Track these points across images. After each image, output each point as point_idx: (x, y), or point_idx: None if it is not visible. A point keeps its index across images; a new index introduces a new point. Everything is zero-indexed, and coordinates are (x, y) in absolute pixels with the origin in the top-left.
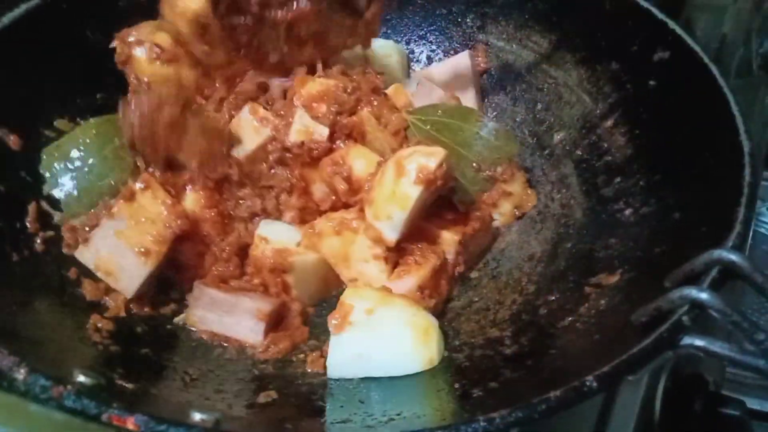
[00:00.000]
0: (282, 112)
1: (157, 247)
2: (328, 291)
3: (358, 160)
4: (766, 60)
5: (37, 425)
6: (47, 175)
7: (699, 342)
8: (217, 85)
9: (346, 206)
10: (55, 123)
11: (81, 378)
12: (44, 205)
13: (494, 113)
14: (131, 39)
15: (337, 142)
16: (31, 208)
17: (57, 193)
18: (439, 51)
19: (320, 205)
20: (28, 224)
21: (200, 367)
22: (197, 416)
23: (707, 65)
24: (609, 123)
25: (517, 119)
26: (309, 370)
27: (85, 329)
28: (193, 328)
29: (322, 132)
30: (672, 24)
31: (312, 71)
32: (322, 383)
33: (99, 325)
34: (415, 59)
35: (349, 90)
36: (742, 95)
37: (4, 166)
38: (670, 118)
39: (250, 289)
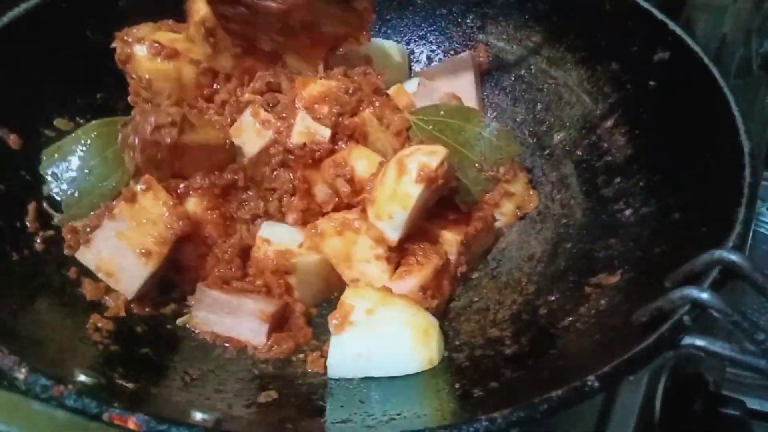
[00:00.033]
0: (284, 114)
1: (158, 248)
2: (331, 292)
3: (360, 161)
4: (766, 60)
5: (39, 424)
6: (47, 176)
7: (699, 342)
8: (217, 86)
9: (349, 207)
10: (55, 123)
11: (81, 377)
12: (44, 205)
13: (494, 113)
14: (131, 38)
15: (339, 143)
16: (31, 207)
17: (57, 195)
18: (440, 51)
19: (323, 207)
20: (28, 224)
21: (200, 367)
22: (198, 416)
23: (707, 65)
24: (609, 123)
25: (518, 119)
26: (309, 370)
27: (86, 329)
28: (196, 330)
29: (324, 133)
30: (672, 24)
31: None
32: (323, 383)
33: (99, 324)
34: (415, 59)
35: (350, 91)
36: (742, 95)
37: (4, 166)
38: (670, 119)
39: (253, 290)
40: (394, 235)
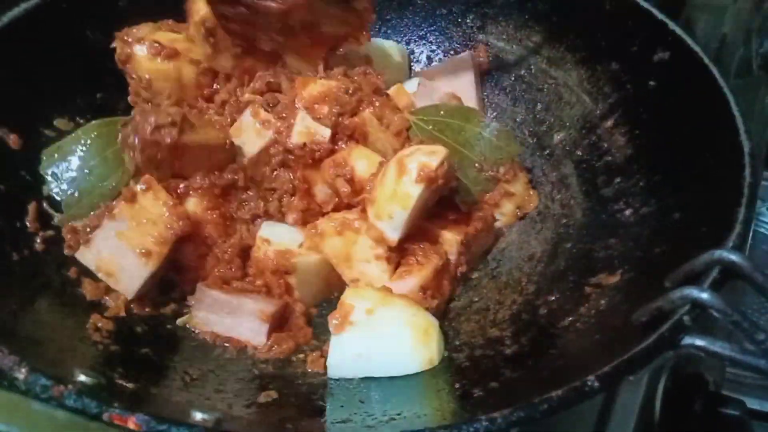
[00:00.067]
0: (284, 114)
1: (158, 248)
2: (331, 292)
3: (360, 161)
4: (766, 60)
5: (39, 424)
6: (47, 176)
7: (699, 342)
8: (217, 86)
9: (349, 207)
10: (55, 123)
11: (81, 377)
12: (44, 205)
13: (494, 113)
14: (131, 38)
15: (339, 143)
16: (31, 207)
17: (57, 195)
18: (439, 51)
19: (323, 207)
20: (28, 224)
21: (200, 367)
22: (198, 416)
23: (707, 65)
24: (609, 123)
25: (517, 119)
26: (309, 370)
27: (85, 329)
28: (196, 330)
29: (324, 133)
30: (672, 24)
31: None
32: (323, 383)
33: (99, 324)
34: (415, 59)
35: (350, 91)
36: (742, 95)
37: (4, 166)
38: (670, 119)
39: (253, 290)
40: (394, 235)
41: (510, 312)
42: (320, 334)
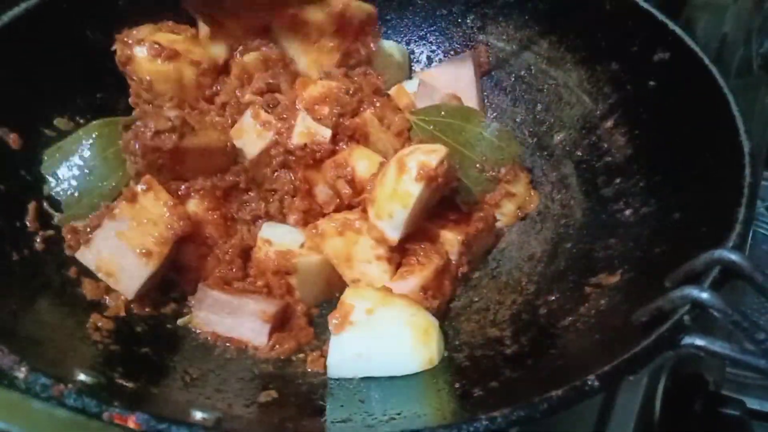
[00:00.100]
0: (284, 116)
1: (159, 248)
2: (332, 292)
3: (361, 161)
4: (766, 60)
5: (39, 423)
6: (48, 176)
7: (699, 342)
8: (218, 87)
9: (350, 208)
10: (55, 123)
11: (81, 377)
12: (44, 205)
13: (494, 114)
14: (131, 39)
15: (340, 144)
16: (31, 207)
17: (58, 194)
18: (439, 51)
19: (324, 208)
20: (27, 223)
21: (201, 366)
22: (198, 415)
23: (707, 66)
24: (609, 123)
25: (517, 120)
26: (309, 370)
27: (86, 328)
28: (197, 330)
29: (325, 133)
30: (672, 25)
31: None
32: (323, 383)
33: (99, 324)
34: (415, 60)
35: (350, 92)
36: (743, 95)
37: (4, 166)
38: (670, 119)
39: (254, 290)
40: (394, 235)
41: (510, 312)
42: (321, 334)
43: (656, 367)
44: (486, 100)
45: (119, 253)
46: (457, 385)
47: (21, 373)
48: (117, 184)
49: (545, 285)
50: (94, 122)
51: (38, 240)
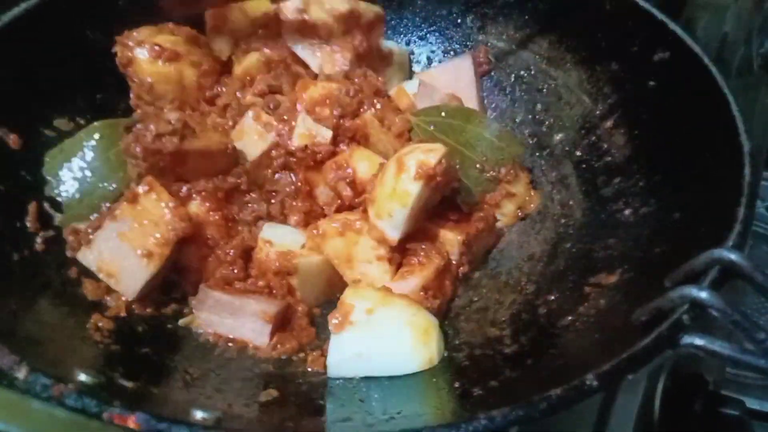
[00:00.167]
0: (285, 117)
1: (160, 249)
2: (333, 292)
3: (362, 163)
4: (766, 60)
5: (39, 423)
6: (50, 178)
7: (699, 341)
8: (220, 89)
9: (351, 208)
10: (55, 123)
11: (82, 377)
12: (45, 205)
13: (494, 114)
14: (132, 41)
15: (341, 145)
16: (31, 207)
17: (59, 196)
18: (439, 52)
19: (325, 209)
20: (28, 224)
21: (201, 366)
22: (198, 414)
23: (707, 66)
24: (609, 123)
25: (517, 120)
26: (309, 369)
27: (86, 329)
28: (198, 330)
29: (325, 134)
30: (672, 24)
31: None
32: (323, 382)
33: (100, 324)
34: (415, 60)
35: (351, 93)
36: (743, 95)
37: (4, 166)
38: (670, 119)
39: (255, 291)
40: (394, 234)
41: (510, 312)
42: (321, 334)
43: (656, 367)
44: (486, 101)
45: (120, 254)
46: (456, 385)
47: (21, 373)
48: (118, 185)
49: (545, 285)
50: (96, 123)
51: (38, 240)
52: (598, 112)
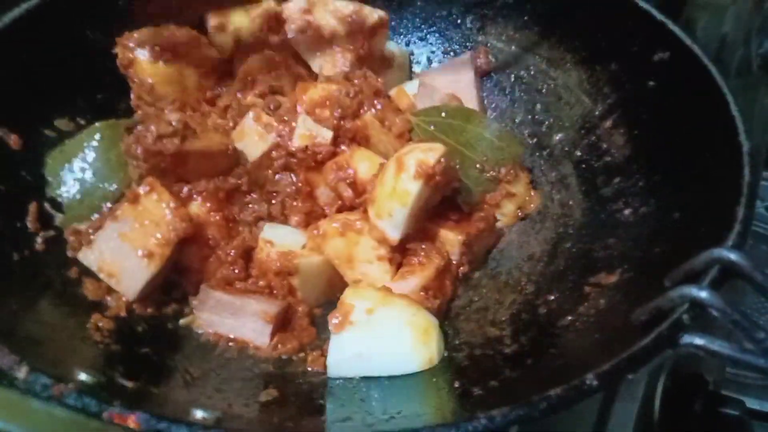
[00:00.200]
0: (285, 118)
1: (161, 249)
2: (333, 293)
3: (362, 163)
4: (765, 60)
5: (39, 423)
6: (51, 178)
7: (699, 341)
8: (221, 89)
9: (352, 209)
10: (55, 123)
11: (82, 376)
12: (45, 205)
13: (494, 114)
14: (132, 42)
15: (341, 146)
16: (32, 208)
17: (61, 197)
18: (439, 52)
19: (325, 209)
20: (28, 224)
21: (201, 366)
22: (198, 414)
23: (706, 66)
24: (608, 123)
25: (517, 120)
26: (309, 369)
27: (86, 328)
28: (199, 330)
29: (326, 135)
30: (671, 24)
31: None
32: (323, 382)
33: (100, 324)
34: (415, 61)
35: (351, 94)
36: (742, 95)
37: (4, 166)
38: (670, 119)
39: (256, 291)
40: (394, 234)
41: (510, 311)
42: (321, 334)
43: (656, 367)
44: (486, 101)
45: (121, 255)
46: (456, 385)
47: (21, 373)
48: (119, 185)
49: (545, 285)
50: (97, 124)
51: (39, 240)
52: (597, 112)
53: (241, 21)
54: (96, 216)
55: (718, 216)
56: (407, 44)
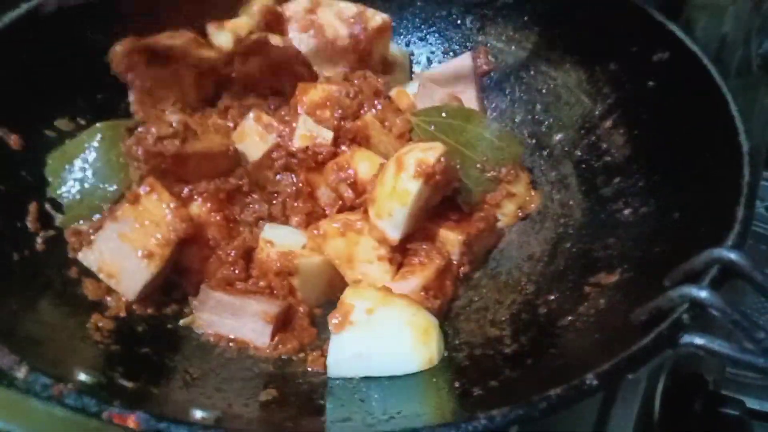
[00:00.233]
0: (286, 119)
1: (161, 250)
2: (334, 293)
3: (363, 164)
4: (765, 60)
5: (39, 423)
6: (52, 179)
7: (699, 340)
8: (221, 90)
9: (352, 209)
10: (55, 123)
11: (82, 376)
12: (45, 205)
13: (494, 114)
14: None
15: (342, 146)
16: (32, 208)
17: (61, 197)
18: (439, 53)
19: (326, 209)
20: (28, 224)
21: (201, 366)
22: (198, 414)
23: (706, 66)
24: (608, 123)
25: (517, 120)
26: (309, 369)
27: (86, 328)
28: (199, 330)
29: (326, 135)
30: (671, 25)
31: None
32: (323, 382)
33: (100, 324)
34: (415, 61)
35: (351, 95)
36: (742, 95)
37: (4, 166)
38: (670, 119)
39: (256, 291)
40: (395, 234)
41: (510, 311)
42: (322, 334)
43: (656, 367)
44: (486, 101)
45: (121, 255)
46: (456, 385)
47: (21, 373)
48: (120, 186)
49: (545, 284)
50: (98, 125)
51: (39, 240)
52: (597, 112)
53: (239, 19)
54: (96, 216)
55: (717, 216)
56: (407, 44)
